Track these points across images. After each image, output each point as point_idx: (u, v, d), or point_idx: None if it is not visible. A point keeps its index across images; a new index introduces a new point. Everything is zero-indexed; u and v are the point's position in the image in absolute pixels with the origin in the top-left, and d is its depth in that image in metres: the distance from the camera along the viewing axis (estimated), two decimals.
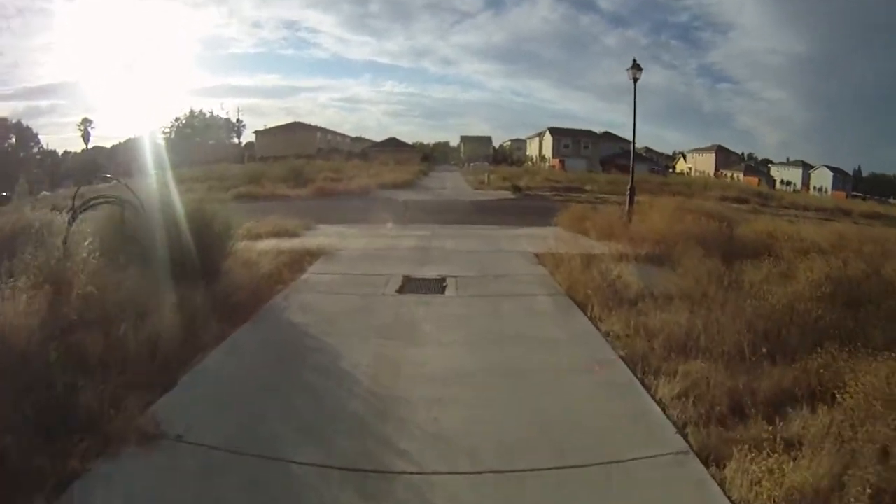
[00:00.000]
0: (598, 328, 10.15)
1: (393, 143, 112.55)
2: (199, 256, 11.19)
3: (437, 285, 13.11)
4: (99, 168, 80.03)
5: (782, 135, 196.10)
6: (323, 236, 19.49)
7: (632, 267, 14.09)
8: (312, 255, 15.87)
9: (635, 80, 23.88)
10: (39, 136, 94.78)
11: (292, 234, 19.62)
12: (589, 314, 10.91)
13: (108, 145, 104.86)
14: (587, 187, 49.63)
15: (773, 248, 15.03)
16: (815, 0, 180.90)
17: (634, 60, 23.87)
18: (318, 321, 10.34)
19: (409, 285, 13.09)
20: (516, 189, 45.53)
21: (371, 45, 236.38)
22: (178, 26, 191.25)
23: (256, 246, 15.89)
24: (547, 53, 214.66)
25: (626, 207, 23.09)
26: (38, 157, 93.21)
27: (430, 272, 14.27)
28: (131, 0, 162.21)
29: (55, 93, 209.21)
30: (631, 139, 26.77)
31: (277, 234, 19.16)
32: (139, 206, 11.60)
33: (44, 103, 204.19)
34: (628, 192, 23.75)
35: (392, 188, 45.53)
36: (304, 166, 53.54)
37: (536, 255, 16.34)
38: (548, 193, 44.75)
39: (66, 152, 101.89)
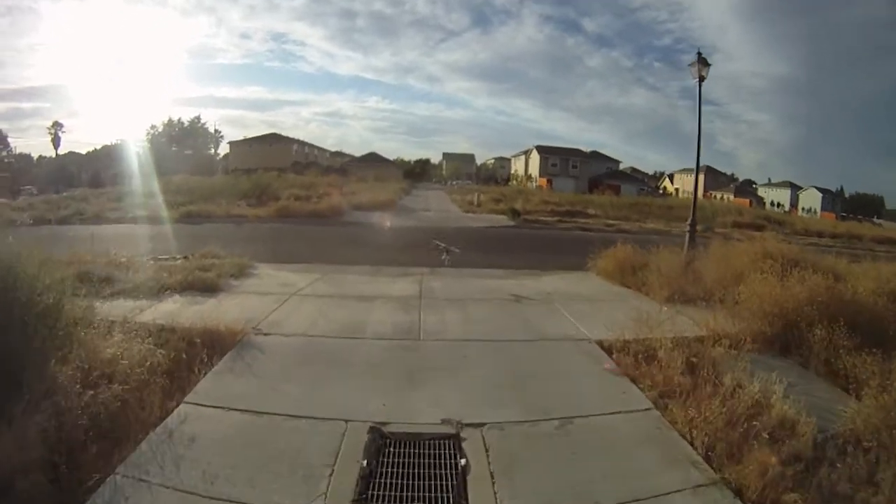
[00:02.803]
0: None
1: (373, 159, 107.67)
2: None
3: (448, 467, 5.85)
4: (69, 175, 77.15)
5: (761, 156, 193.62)
6: (255, 294, 12.70)
7: (773, 377, 7.78)
8: (218, 344, 8.88)
9: (701, 78, 16.99)
10: (9, 139, 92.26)
11: (211, 289, 12.84)
12: None
13: (84, 151, 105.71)
14: (591, 211, 43.13)
15: None
16: (795, 24, 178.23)
17: (699, 53, 17.05)
18: None
19: (383, 470, 5.78)
20: (514, 213, 38.12)
21: (356, 60, 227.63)
22: (167, 34, 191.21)
23: (145, 314, 10.32)
24: (532, 73, 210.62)
25: (686, 249, 16.29)
26: (9, 160, 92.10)
27: (427, 410, 7.08)
28: (121, 5, 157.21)
29: (39, 95, 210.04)
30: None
31: (190, 287, 12.68)
32: None
33: (27, 105, 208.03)
34: (688, 228, 16.83)
35: (369, 209, 38.34)
36: (271, 181, 46.70)
37: (602, 346, 9.52)
38: (550, 219, 37.75)
39: (41, 157, 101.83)
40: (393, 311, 11.59)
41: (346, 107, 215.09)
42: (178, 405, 6.95)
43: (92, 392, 6.33)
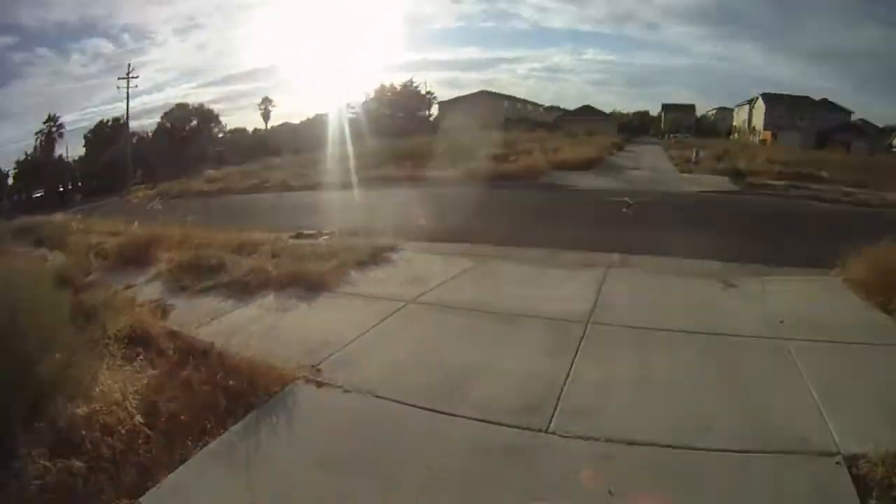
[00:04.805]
0: None
1: (587, 112, 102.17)
2: None
3: None
4: (280, 145, 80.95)
5: None
6: (363, 297, 9.78)
7: None
8: (252, 391, 6.19)
9: None
10: (221, 118, 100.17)
11: (316, 286, 10.15)
12: None
13: (298, 121, 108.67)
14: (823, 174, 34.44)
15: None
16: None
17: None
18: None
19: None
20: (737, 175, 31.50)
21: (571, 12, 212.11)
22: (378, 5, 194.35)
23: (211, 326, 8.45)
24: (756, 13, 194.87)
25: None
26: (221, 136, 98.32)
27: None
28: None
29: (257, 77, 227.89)
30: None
31: (293, 282, 10.28)
32: None
33: (245, 87, 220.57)
34: None
35: (569, 169, 33.77)
36: (470, 141, 42.97)
37: (858, 476, 4.88)
38: (778, 183, 30.29)
39: (256, 130, 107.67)
40: (534, 349, 7.57)
41: (563, 60, 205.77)
42: None
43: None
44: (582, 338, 7.91)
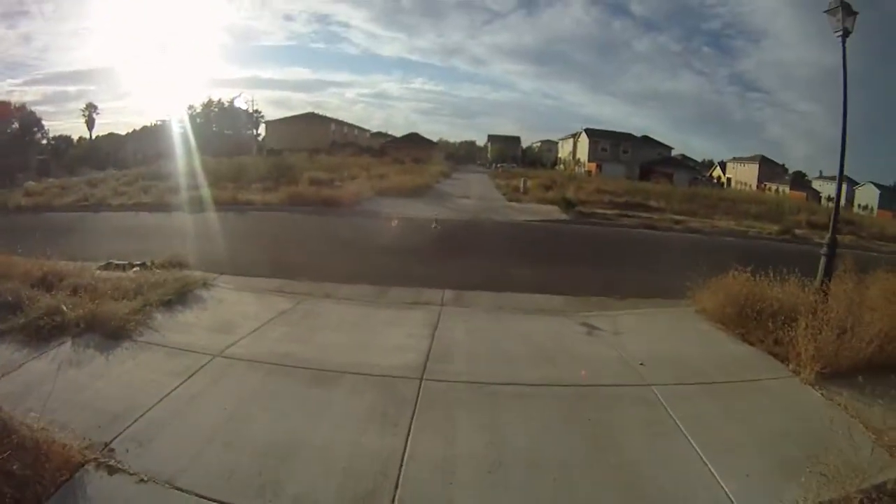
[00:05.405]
0: None
1: (414, 140, 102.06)
2: None
3: None
4: (103, 157, 77.93)
5: (810, 148, 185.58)
6: (167, 349, 8.23)
7: None
8: (36, 481, 4.82)
9: (845, 32, 11.63)
10: (44, 122, 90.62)
11: (116, 333, 8.60)
12: None
13: (124, 132, 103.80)
14: (652, 203, 36.53)
15: None
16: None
17: None
18: None
19: None
20: (567, 204, 31.86)
21: (401, 41, 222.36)
22: (210, 18, 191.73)
23: None
24: (578, 56, 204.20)
25: (821, 280, 10.67)
26: (44, 142, 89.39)
27: None
28: None
29: (84, 79, 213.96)
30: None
31: (91, 328, 8.70)
32: None
33: (72, 88, 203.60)
34: (825, 249, 11.50)
35: (396, 196, 33.51)
36: (294, 163, 42.38)
37: None
38: (609, 212, 31.57)
39: (81, 138, 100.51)
40: (363, 418, 6.40)
41: (392, 88, 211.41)
42: None
43: None
44: (417, 400, 6.88)
